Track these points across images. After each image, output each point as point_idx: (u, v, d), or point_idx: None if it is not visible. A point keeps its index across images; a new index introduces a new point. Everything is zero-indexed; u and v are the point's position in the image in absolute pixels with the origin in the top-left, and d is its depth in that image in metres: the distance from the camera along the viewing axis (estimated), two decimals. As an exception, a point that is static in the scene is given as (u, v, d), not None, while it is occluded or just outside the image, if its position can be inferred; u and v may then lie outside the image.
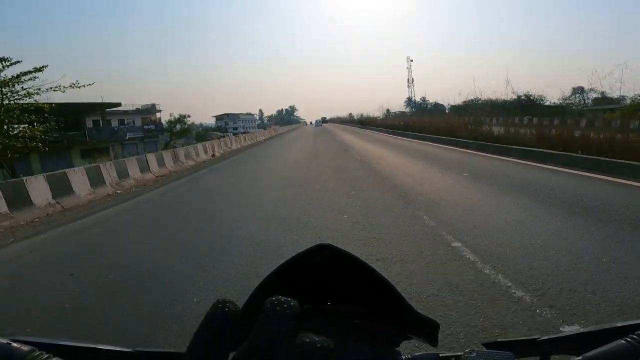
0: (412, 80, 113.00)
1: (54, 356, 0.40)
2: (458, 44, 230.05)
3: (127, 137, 37.05)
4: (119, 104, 35.87)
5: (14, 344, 0.40)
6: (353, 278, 0.52)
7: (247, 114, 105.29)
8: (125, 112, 42.37)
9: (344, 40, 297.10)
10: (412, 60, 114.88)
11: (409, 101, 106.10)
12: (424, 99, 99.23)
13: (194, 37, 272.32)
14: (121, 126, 39.52)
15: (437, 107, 66.64)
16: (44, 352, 0.40)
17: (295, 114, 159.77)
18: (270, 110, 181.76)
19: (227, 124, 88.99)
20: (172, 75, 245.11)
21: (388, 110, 57.67)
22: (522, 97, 23.49)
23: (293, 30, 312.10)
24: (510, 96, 19.35)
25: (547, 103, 27.10)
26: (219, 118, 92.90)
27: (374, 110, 72.57)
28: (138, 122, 43.46)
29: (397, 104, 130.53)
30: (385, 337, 0.52)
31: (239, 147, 24.63)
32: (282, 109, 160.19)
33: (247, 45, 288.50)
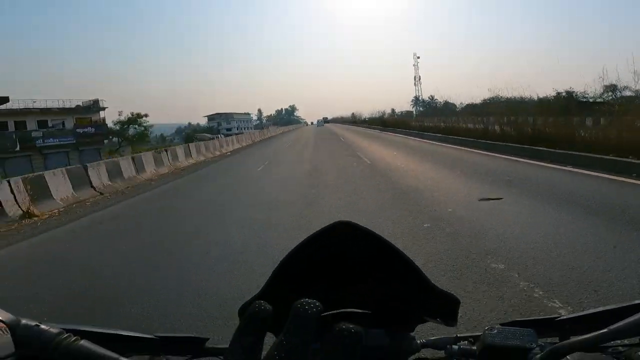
0: (419, 78, 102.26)
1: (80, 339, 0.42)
2: (458, 43, 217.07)
3: (17, 148, 24.58)
4: (6, 99, 23.38)
5: (43, 326, 0.41)
6: (372, 255, 0.51)
7: (243, 113, 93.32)
8: (46, 111, 30.09)
9: (344, 40, 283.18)
10: (419, 57, 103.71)
11: (417, 100, 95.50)
12: (432, 97, 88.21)
13: (193, 37, 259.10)
14: (15, 131, 26.80)
15: (448, 106, 57.71)
16: (72, 335, 0.41)
17: (295, 113, 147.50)
18: (270, 110, 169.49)
19: (220, 124, 77.56)
20: (171, 75, 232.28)
21: (393, 110, 52.71)
22: (563, 94, 19.32)
23: (293, 30, 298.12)
24: (548, 93, 16.10)
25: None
26: (210, 118, 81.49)
27: (380, 110, 62.89)
28: (70, 124, 31.25)
29: (402, 104, 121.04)
30: (400, 323, 0.53)
31: (177, 168, 12.18)
32: (281, 109, 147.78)
33: (247, 45, 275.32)
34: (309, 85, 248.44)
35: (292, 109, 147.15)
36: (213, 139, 27.52)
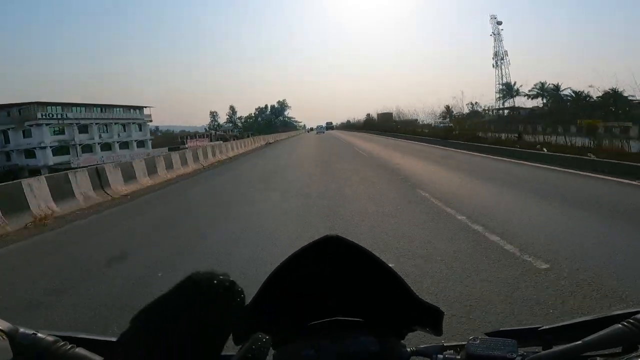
0: (504, 56, 59.74)
1: (76, 347, 0.42)
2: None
3: None
4: None
5: (40, 335, 0.42)
6: (359, 267, 0.53)
7: (126, 107, 46.55)
8: None
9: (349, 39, 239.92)
10: (500, 24, 61.92)
11: (508, 89, 52.83)
12: (557, 86, 47.27)
13: (185, 29, 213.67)
14: None
15: (620, 100, 19.64)
16: (67, 343, 0.42)
17: (287, 113, 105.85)
18: (250, 109, 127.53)
19: (33, 133, 31.29)
20: (164, 75, 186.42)
21: (449, 109, 23.94)
22: None
23: (293, 29, 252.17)
24: None
25: None
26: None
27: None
28: None
29: (446, 100, 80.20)
30: (391, 330, 0.54)
31: None
32: (265, 105, 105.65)
33: (239, 42, 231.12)
34: (307, 84, 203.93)
35: (282, 106, 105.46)
36: None
